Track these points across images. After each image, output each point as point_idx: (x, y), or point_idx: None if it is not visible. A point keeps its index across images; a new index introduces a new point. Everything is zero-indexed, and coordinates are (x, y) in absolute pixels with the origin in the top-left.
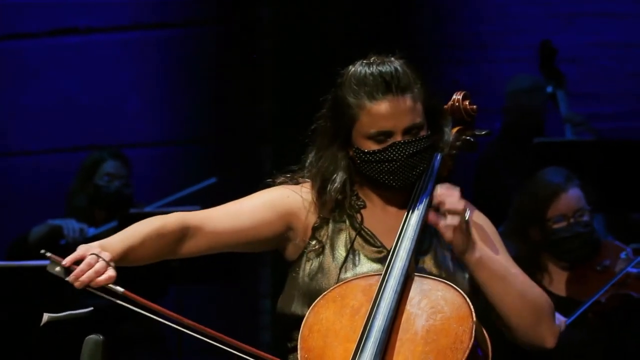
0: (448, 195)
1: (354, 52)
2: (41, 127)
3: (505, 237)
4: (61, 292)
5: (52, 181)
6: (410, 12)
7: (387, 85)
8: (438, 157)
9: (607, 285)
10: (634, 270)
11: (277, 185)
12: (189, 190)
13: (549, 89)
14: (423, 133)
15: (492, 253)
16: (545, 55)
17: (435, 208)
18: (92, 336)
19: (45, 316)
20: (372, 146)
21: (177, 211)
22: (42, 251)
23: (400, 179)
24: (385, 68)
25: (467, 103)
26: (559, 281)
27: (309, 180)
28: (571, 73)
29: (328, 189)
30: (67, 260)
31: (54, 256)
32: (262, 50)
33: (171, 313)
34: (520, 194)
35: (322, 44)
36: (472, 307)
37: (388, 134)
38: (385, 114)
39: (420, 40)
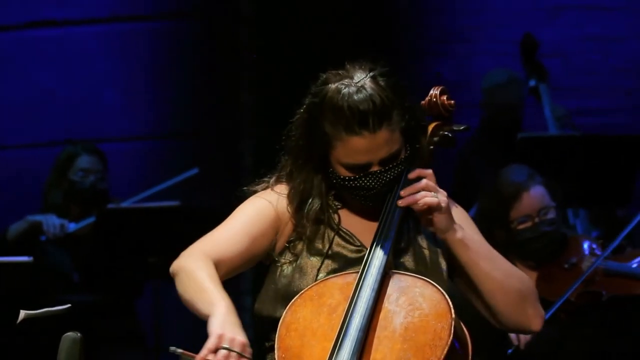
0: (420, 174)
1: (335, 45)
2: (18, 121)
3: None
4: (39, 288)
5: (29, 176)
6: (393, 5)
7: (364, 122)
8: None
9: (576, 284)
10: (603, 265)
11: (257, 193)
12: (168, 182)
13: (532, 83)
14: (401, 156)
15: (473, 233)
16: (527, 48)
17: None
18: (70, 333)
19: (22, 313)
20: (348, 173)
21: (156, 205)
22: (171, 349)
23: (376, 200)
24: (362, 102)
25: (444, 98)
26: None
27: (285, 188)
28: (555, 67)
29: (306, 210)
30: (199, 358)
31: (186, 352)
32: (242, 43)
33: None
34: (483, 195)
35: (303, 36)
36: (450, 303)
37: (364, 167)
38: (361, 149)
39: (403, 33)
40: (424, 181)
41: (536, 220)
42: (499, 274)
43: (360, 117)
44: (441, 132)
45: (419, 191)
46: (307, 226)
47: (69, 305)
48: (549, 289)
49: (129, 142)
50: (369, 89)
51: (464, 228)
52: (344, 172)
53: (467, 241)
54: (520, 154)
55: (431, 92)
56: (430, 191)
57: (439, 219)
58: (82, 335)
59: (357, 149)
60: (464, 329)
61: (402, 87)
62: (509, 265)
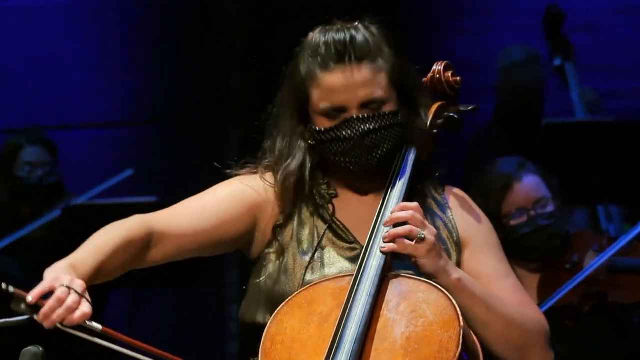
0: (403, 209)
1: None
2: None
3: None
4: None
5: None
6: None
7: (340, 54)
8: (412, 149)
9: (568, 287)
10: (609, 262)
11: (239, 176)
12: (101, 187)
13: (557, 62)
14: (388, 109)
15: (471, 278)
16: (551, 21)
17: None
18: (30, 348)
19: None
20: (325, 123)
21: (130, 202)
22: (4, 286)
23: (357, 161)
24: (341, 35)
25: (449, 74)
26: (529, 287)
27: (270, 170)
28: (584, 43)
29: (285, 174)
30: (32, 296)
31: (18, 291)
32: (231, 19)
33: (157, 350)
34: (472, 193)
35: (299, 14)
36: (459, 309)
37: (341, 109)
38: (336, 86)
39: (410, 6)
40: (407, 227)
41: (532, 213)
42: (499, 323)
43: (336, 51)
44: (446, 114)
45: (402, 235)
46: (289, 195)
47: (29, 315)
48: (549, 291)
49: (101, 129)
50: (352, 29)
51: (484, 249)
52: (321, 123)
53: (462, 284)
54: (544, 143)
55: (434, 67)
56: (413, 235)
57: (423, 262)
58: (44, 350)
59: (333, 86)
60: (474, 338)
61: (398, 41)
62: (512, 309)
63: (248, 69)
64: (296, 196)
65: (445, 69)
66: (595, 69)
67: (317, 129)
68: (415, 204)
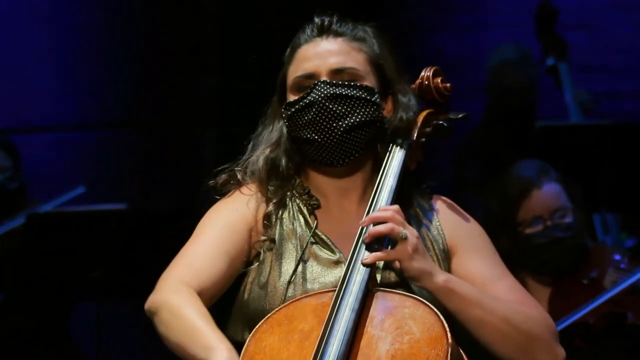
0: (378, 213)
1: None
2: None
3: None
4: None
5: None
6: None
7: (319, 29)
8: (405, 144)
9: (592, 305)
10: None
11: (221, 193)
12: (50, 204)
13: (550, 61)
14: (363, 82)
15: (459, 279)
16: (543, 19)
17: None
18: None
19: None
20: (296, 94)
21: (98, 209)
22: None
23: (321, 129)
24: (326, 15)
25: (438, 80)
26: (540, 300)
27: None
28: (578, 41)
29: (264, 156)
30: None
31: None
32: (205, 11)
33: None
34: (487, 194)
35: (282, 6)
36: (446, 325)
37: (311, 76)
38: (309, 55)
39: (397, 3)
40: (389, 224)
41: (548, 223)
42: (496, 322)
43: (317, 26)
44: (435, 122)
45: (383, 234)
46: (264, 183)
47: None
48: (563, 307)
49: (65, 132)
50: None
51: (474, 247)
52: (292, 96)
53: (451, 286)
54: (537, 147)
55: (422, 73)
56: (395, 234)
57: (408, 265)
58: None
59: (305, 56)
60: (463, 356)
61: (391, 42)
62: (509, 307)
63: (225, 66)
64: (278, 190)
65: (435, 75)
66: (591, 69)
67: (287, 102)
68: (395, 206)
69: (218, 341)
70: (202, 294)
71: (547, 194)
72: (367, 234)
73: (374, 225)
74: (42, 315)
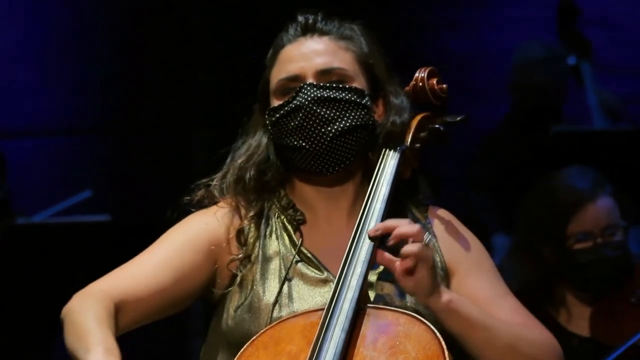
0: (397, 222)
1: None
2: None
3: (510, 257)
4: None
5: None
6: None
7: (304, 28)
8: (398, 150)
9: None
10: None
11: (194, 213)
12: (55, 207)
13: (571, 61)
14: (352, 84)
15: (464, 298)
16: (564, 15)
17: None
18: None
19: None
20: (280, 98)
21: (80, 221)
22: None
23: (309, 135)
24: (310, 14)
25: (434, 82)
26: (580, 317)
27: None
28: (601, 40)
29: (247, 166)
30: None
31: None
32: (195, 9)
33: None
34: (531, 201)
35: (276, 3)
36: (443, 344)
37: (296, 79)
38: (293, 55)
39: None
40: (416, 226)
41: (599, 240)
42: (500, 346)
43: (301, 26)
44: (430, 126)
45: (410, 236)
46: (248, 194)
47: None
48: (609, 329)
49: (47, 137)
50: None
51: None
52: (276, 100)
53: (456, 306)
54: (553, 154)
55: (416, 74)
56: (419, 239)
57: (419, 279)
58: None
59: (289, 56)
60: None
61: (378, 41)
62: (514, 330)
63: (218, 68)
64: (258, 204)
65: (430, 76)
66: (615, 69)
67: (271, 107)
68: (406, 220)
69: (96, 343)
70: (123, 307)
71: (601, 209)
72: (393, 235)
73: (383, 233)
74: (23, 330)
